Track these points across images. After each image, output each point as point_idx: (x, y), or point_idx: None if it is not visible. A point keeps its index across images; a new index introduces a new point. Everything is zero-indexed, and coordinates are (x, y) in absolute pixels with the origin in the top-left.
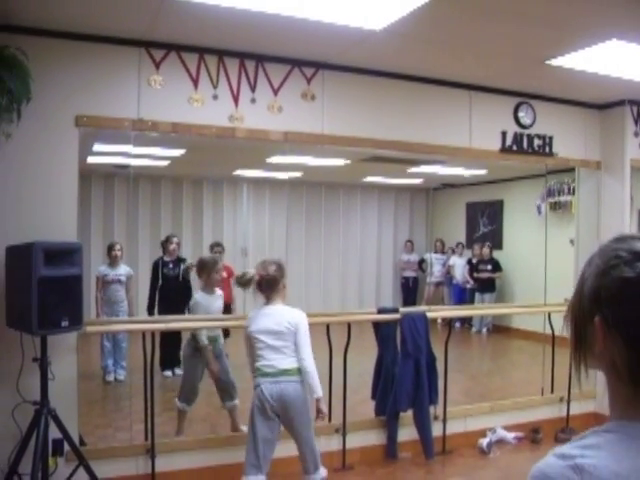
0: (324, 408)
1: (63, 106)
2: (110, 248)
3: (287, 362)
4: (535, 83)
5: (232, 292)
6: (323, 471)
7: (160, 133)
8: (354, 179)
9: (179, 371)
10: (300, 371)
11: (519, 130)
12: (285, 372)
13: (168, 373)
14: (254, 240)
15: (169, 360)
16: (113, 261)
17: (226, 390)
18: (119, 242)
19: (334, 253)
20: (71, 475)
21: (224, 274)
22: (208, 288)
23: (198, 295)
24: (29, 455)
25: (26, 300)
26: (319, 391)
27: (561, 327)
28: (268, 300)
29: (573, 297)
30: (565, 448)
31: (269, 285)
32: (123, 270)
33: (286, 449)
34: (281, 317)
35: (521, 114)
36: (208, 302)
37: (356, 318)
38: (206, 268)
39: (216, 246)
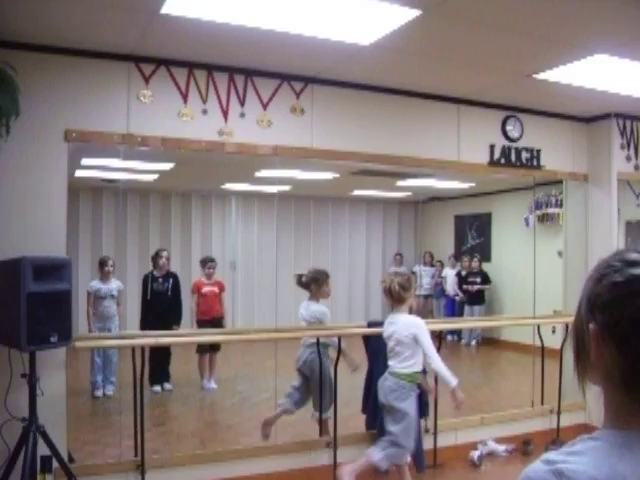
0: (459, 395)
1: (52, 121)
2: (103, 263)
3: (400, 366)
4: (522, 97)
5: (223, 307)
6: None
7: (149, 147)
8: (343, 192)
9: (168, 386)
10: (410, 376)
11: (507, 143)
12: (396, 375)
13: (157, 388)
14: (243, 254)
15: (158, 375)
16: (105, 276)
17: (323, 400)
18: (111, 257)
19: (323, 266)
20: None
21: (216, 289)
22: (314, 299)
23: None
24: (17, 473)
25: (15, 315)
26: (452, 381)
27: (550, 339)
28: (392, 309)
29: (576, 310)
30: (552, 454)
31: (396, 295)
32: (115, 285)
33: None
34: (402, 326)
35: (509, 127)
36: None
37: (346, 332)
38: (319, 280)
39: (210, 261)
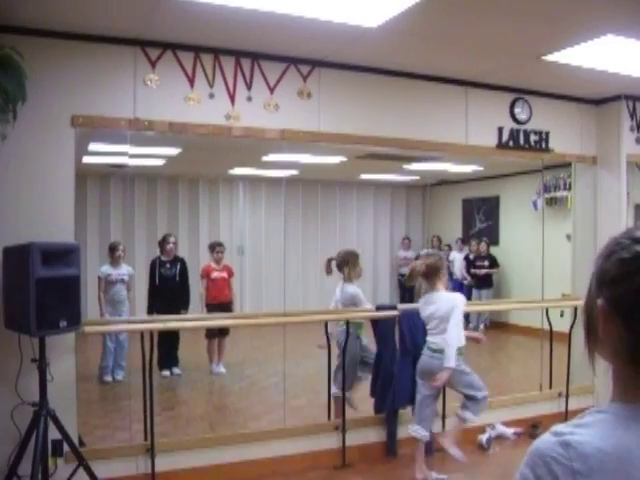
0: (442, 377)
1: (59, 106)
2: (113, 248)
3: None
4: (531, 79)
5: (231, 292)
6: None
7: (156, 132)
8: (350, 176)
9: (177, 371)
10: (458, 350)
11: (515, 126)
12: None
13: (166, 373)
14: (250, 238)
15: (167, 360)
16: (116, 261)
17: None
18: (121, 242)
19: (331, 251)
20: (71, 476)
21: (225, 274)
22: (348, 280)
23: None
24: (29, 456)
25: (24, 301)
26: (450, 363)
27: (558, 322)
28: (429, 289)
29: (587, 288)
30: (561, 426)
31: (432, 275)
32: (125, 270)
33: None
34: (444, 303)
35: (517, 110)
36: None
37: (355, 315)
38: (350, 261)
39: (218, 246)
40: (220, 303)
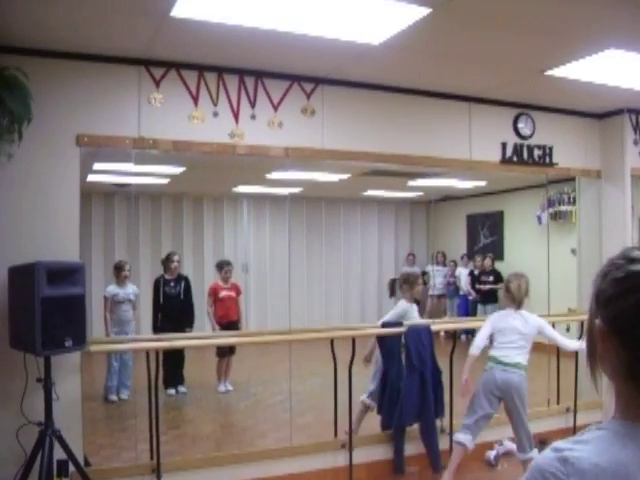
0: None
1: (64, 126)
2: (120, 268)
3: (524, 359)
4: (534, 94)
5: (239, 311)
6: (535, 452)
7: (161, 151)
8: (354, 193)
9: (182, 389)
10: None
11: (519, 141)
12: (522, 367)
13: (172, 391)
14: (255, 256)
15: (172, 379)
16: (122, 281)
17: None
18: (127, 262)
19: (335, 268)
20: None
21: (233, 293)
22: (407, 299)
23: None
24: (34, 477)
25: (29, 320)
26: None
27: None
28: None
29: (589, 307)
30: (561, 442)
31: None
32: (131, 289)
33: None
34: (530, 322)
35: (521, 125)
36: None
37: (361, 333)
38: (409, 281)
39: (226, 265)
40: (228, 322)
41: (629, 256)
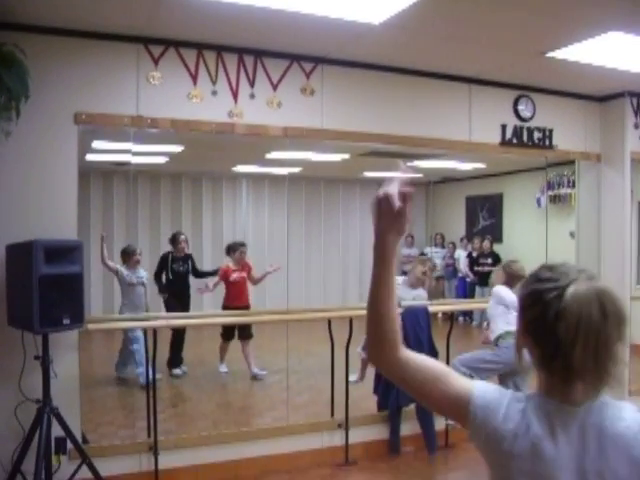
0: None
1: (62, 104)
2: (131, 253)
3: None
4: (535, 76)
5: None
6: None
7: (159, 129)
8: (353, 174)
9: (184, 368)
10: None
11: (519, 123)
12: None
13: (177, 371)
14: (254, 236)
15: (178, 359)
16: (134, 266)
17: None
18: (139, 247)
19: (334, 248)
20: (74, 473)
21: (244, 274)
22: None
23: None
24: (32, 453)
25: (27, 298)
26: None
27: None
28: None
29: None
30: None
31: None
32: (143, 273)
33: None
34: None
35: (521, 107)
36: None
37: (358, 313)
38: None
39: (241, 246)
40: (237, 307)
41: (537, 275)
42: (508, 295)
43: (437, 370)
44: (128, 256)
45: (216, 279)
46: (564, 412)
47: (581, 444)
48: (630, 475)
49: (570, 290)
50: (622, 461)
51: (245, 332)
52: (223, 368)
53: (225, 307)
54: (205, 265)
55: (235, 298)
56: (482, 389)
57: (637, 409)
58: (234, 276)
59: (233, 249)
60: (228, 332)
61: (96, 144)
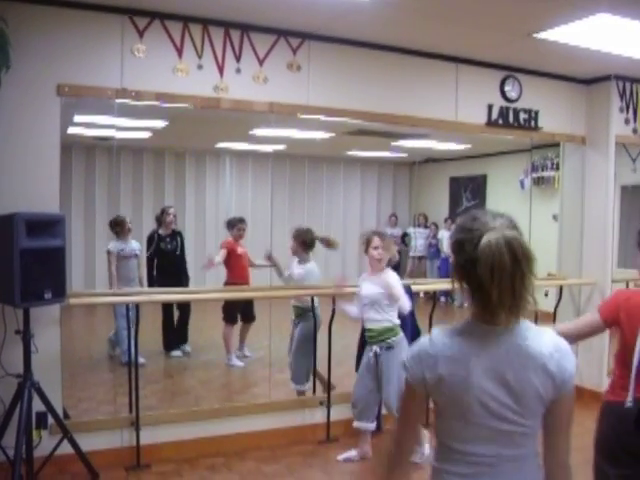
0: None
1: (44, 75)
2: (120, 223)
3: None
4: (522, 56)
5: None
6: None
7: (144, 103)
8: (338, 152)
9: (189, 349)
10: None
11: (505, 104)
12: None
13: (177, 353)
14: (237, 213)
15: (175, 339)
16: (125, 236)
17: None
18: (126, 215)
19: (317, 226)
20: (55, 448)
21: (246, 248)
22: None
23: None
24: (13, 428)
25: (8, 272)
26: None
27: (543, 302)
28: None
29: None
30: (436, 329)
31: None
32: (135, 245)
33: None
34: None
35: (507, 88)
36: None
37: (341, 291)
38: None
39: (239, 222)
40: (242, 284)
41: (462, 225)
42: None
43: (412, 413)
44: (118, 226)
45: (222, 252)
46: (489, 332)
47: (505, 357)
48: (543, 384)
49: (484, 240)
50: (538, 372)
51: (249, 314)
52: (234, 360)
53: (227, 284)
54: (187, 242)
55: (240, 275)
56: (408, 361)
57: (555, 334)
58: (240, 250)
59: (231, 225)
60: (231, 315)
61: (78, 118)
